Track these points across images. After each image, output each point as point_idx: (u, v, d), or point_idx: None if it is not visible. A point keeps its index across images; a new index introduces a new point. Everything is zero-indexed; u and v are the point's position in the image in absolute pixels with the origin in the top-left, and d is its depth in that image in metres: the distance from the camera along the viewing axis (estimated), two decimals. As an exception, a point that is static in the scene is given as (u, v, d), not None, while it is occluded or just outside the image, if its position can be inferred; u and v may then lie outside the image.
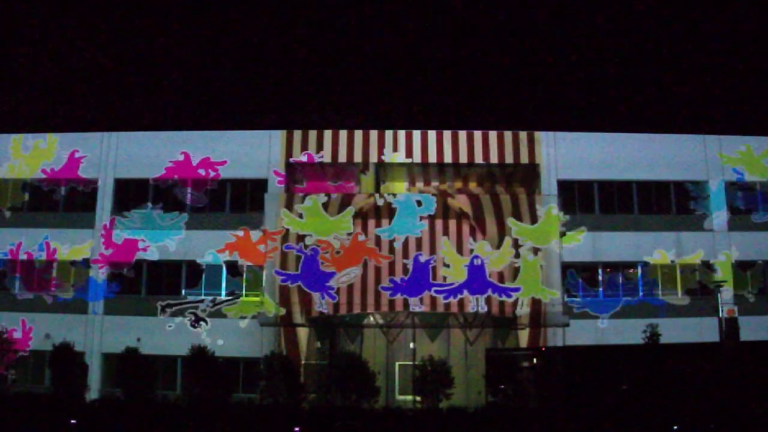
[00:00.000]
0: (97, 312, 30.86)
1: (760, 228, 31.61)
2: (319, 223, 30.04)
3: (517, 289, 29.15)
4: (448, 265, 29.72)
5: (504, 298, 29.13)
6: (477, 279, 29.43)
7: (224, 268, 31.20)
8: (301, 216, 30.06)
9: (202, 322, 30.40)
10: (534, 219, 30.07)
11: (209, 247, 31.14)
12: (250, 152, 31.96)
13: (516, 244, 29.70)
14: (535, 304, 29.05)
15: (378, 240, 30.15)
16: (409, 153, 31.69)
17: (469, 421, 23.23)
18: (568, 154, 31.76)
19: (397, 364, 29.86)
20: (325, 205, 30.42)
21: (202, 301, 30.74)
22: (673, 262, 31.07)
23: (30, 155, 32.74)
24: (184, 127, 33.74)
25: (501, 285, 29.34)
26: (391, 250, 29.96)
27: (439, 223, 30.51)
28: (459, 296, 29.19)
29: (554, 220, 29.82)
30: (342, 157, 31.66)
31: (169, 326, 30.39)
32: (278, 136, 32.20)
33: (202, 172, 31.93)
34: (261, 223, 30.42)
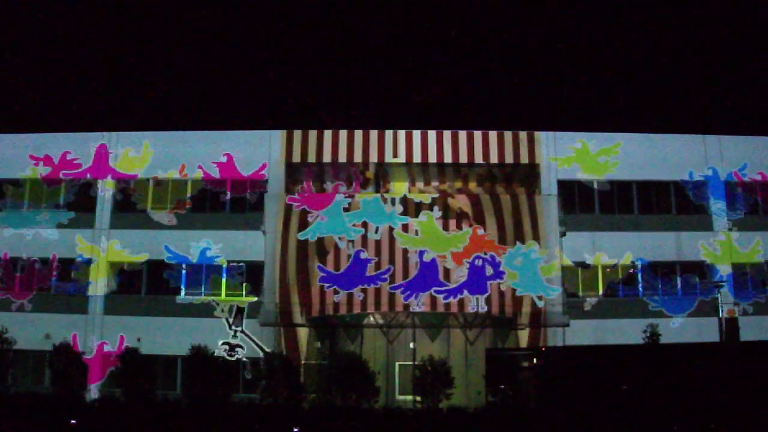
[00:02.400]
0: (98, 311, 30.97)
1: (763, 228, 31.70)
2: (434, 238, 29.99)
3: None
4: None
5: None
6: (477, 279, 29.39)
7: (225, 267, 31.29)
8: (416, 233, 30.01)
9: (238, 349, 30.19)
10: (534, 219, 30.07)
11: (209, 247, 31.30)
12: (250, 152, 32.00)
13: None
14: (535, 303, 29.06)
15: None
16: (409, 153, 31.70)
17: (469, 421, 23.21)
18: (568, 154, 31.79)
19: (397, 364, 29.86)
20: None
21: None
22: None
23: (121, 162, 32.56)
24: (184, 127, 33.70)
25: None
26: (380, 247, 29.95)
27: (439, 223, 30.50)
28: (459, 296, 29.17)
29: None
30: (342, 158, 31.70)
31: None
32: (278, 136, 32.25)
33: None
34: (261, 223, 30.45)
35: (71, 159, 32.45)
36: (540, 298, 29.08)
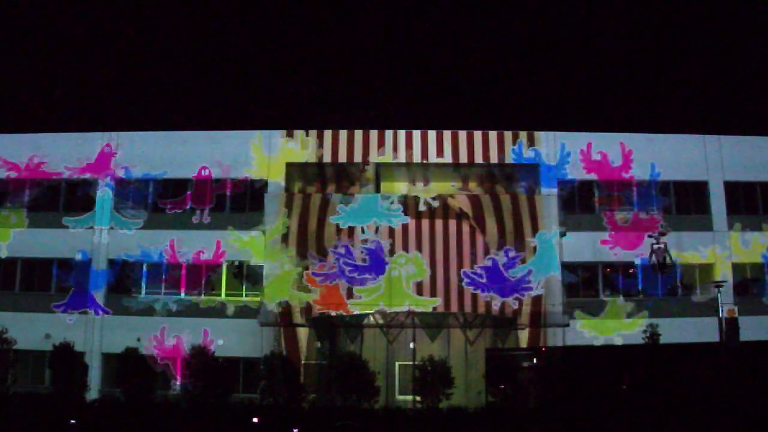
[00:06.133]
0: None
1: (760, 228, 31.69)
2: None
3: (529, 289, 29.10)
4: None
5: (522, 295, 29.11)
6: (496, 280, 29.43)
7: (224, 268, 31.28)
8: None
9: None
10: (534, 219, 30.04)
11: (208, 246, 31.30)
12: (250, 152, 32.01)
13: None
14: (535, 303, 29.04)
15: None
16: (409, 153, 31.66)
17: (469, 421, 23.21)
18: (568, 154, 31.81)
19: (397, 364, 29.83)
20: (324, 204, 30.40)
21: None
22: None
23: (278, 156, 32.02)
24: (184, 127, 33.70)
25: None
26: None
27: (439, 223, 30.47)
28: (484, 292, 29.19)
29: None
30: (342, 158, 31.69)
31: None
32: (278, 136, 32.22)
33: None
34: (261, 223, 30.45)
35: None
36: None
